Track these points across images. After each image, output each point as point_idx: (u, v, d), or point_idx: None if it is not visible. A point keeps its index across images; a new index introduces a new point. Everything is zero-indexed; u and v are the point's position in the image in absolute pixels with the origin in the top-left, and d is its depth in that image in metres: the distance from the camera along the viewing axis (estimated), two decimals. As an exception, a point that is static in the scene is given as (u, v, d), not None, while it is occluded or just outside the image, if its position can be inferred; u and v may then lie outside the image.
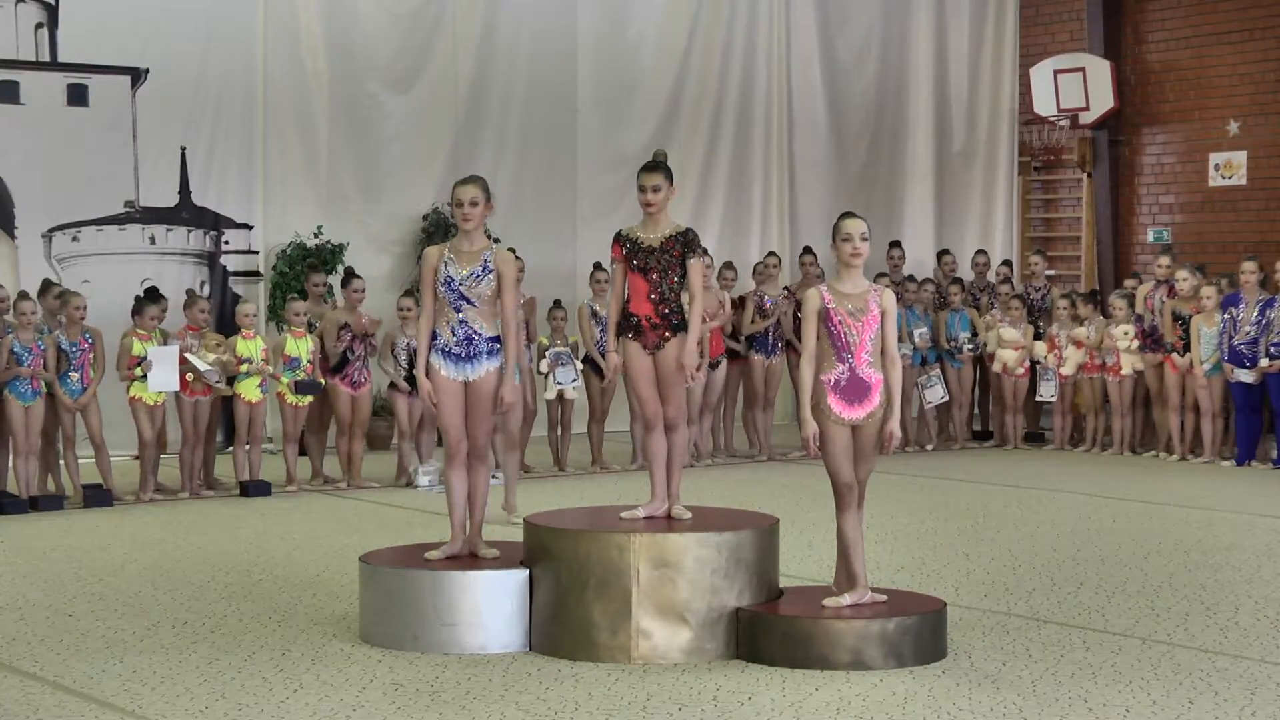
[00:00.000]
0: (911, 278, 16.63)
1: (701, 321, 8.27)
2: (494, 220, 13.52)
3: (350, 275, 13.87)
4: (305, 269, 15.24)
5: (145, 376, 12.49)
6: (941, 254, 17.73)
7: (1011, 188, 20.67)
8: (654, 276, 8.04)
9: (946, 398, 16.22)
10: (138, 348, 12.57)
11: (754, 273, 15.79)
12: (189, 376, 12.74)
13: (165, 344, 12.73)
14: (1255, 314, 14.52)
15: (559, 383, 14.14)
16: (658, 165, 8.10)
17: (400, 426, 13.69)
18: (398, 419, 13.70)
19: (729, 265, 15.59)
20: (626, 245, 8.11)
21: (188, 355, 12.71)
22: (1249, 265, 14.68)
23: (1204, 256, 17.56)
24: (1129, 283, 16.80)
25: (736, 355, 15.15)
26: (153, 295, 13.08)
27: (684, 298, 8.13)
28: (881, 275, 16.30)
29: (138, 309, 12.77)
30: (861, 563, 7.63)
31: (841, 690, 7.01)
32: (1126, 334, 15.47)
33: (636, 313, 8.07)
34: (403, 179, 16.92)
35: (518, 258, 13.99)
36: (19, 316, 12.30)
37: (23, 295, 12.75)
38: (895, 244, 17.48)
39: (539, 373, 14.21)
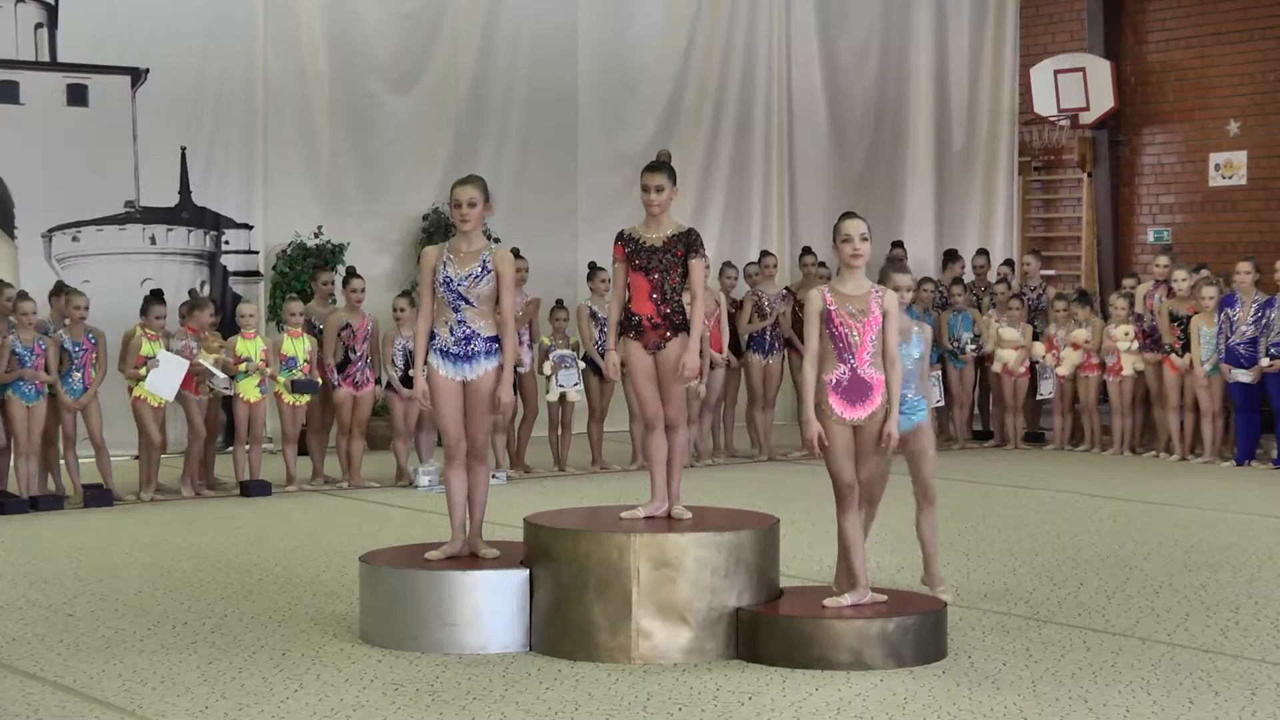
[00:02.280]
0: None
1: (702, 322, 8.27)
2: (495, 220, 13.57)
3: (350, 275, 13.87)
4: (313, 267, 15.25)
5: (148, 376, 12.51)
6: (952, 256, 17.68)
7: (1011, 188, 20.69)
8: (655, 276, 8.04)
9: (941, 402, 16.20)
10: (146, 348, 12.56)
11: (745, 274, 15.67)
12: (195, 378, 12.77)
13: (168, 346, 12.73)
14: (1252, 314, 14.53)
15: (561, 385, 14.14)
16: (661, 165, 8.10)
17: (396, 427, 13.69)
18: (394, 420, 13.70)
19: (729, 265, 15.60)
20: (628, 245, 8.11)
21: (200, 360, 12.72)
22: (1244, 265, 14.68)
23: (1204, 256, 17.57)
24: (1127, 282, 16.82)
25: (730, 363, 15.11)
26: (158, 296, 13.12)
27: (685, 298, 8.13)
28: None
29: (146, 309, 12.78)
30: (862, 563, 7.63)
31: (841, 690, 7.01)
32: (1127, 334, 15.47)
33: (638, 312, 8.07)
34: (403, 179, 16.93)
35: (521, 258, 14.04)
36: (19, 317, 12.30)
37: (22, 295, 12.75)
38: (897, 244, 17.46)
39: (541, 374, 14.22)
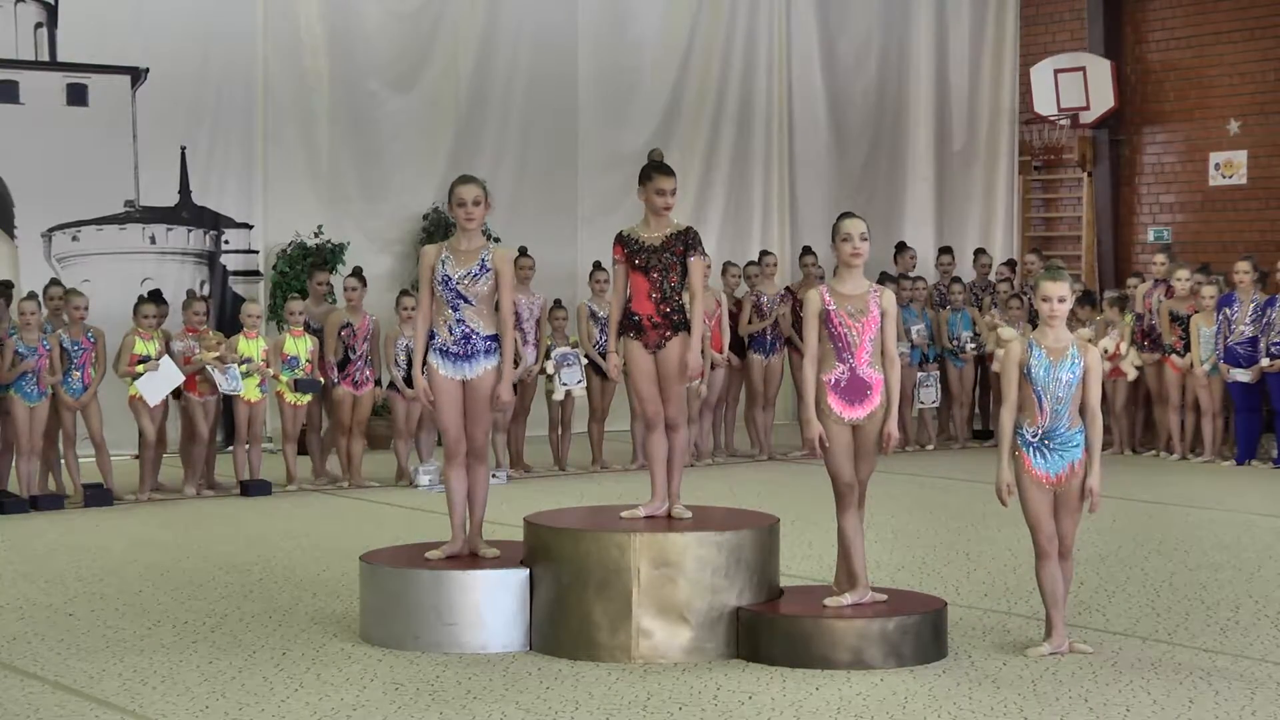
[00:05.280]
0: (905, 275, 16.63)
1: (702, 321, 8.27)
2: (494, 220, 13.55)
3: (349, 275, 13.86)
4: (309, 267, 15.25)
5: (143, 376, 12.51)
6: (941, 252, 17.70)
7: (1012, 187, 20.69)
8: (655, 275, 8.04)
9: (937, 401, 16.20)
10: (139, 347, 12.58)
11: (745, 274, 15.63)
12: (197, 378, 12.79)
13: (168, 345, 12.74)
14: (1250, 314, 14.53)
15: (564, 383, 14.13)
16: (671, 169, 8.13)
17: (397, 427, 13.69)
18: (395, 419, 13.70)
19: (731, 264, 15.59)
20: (628, 245, 8.12)
21: (198, 358, 12.73)
22: (1243, 265, 14.69)
23: (1204, 256, 17.56)
24: (1131, 281, 16.81)
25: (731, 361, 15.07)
26: (155, 297, 13.06)
27: (685, 297, 8.14)
28: (887, 276, 16.31)
29: (135, 309, 12.79)
30: (862, 562, 7.63)
31: (842, 690, 7.01)
32: (1108, 347, 15.41)
33: (638, 312, 8.08)
34: (403, 178, 16.93)
35: (528, 257, 14.05)
36: (21, 317, 12.30)
37: (25, 296, 12.75)
38: (903, 245, 17.42)
39: (543, 374, 14.20)
